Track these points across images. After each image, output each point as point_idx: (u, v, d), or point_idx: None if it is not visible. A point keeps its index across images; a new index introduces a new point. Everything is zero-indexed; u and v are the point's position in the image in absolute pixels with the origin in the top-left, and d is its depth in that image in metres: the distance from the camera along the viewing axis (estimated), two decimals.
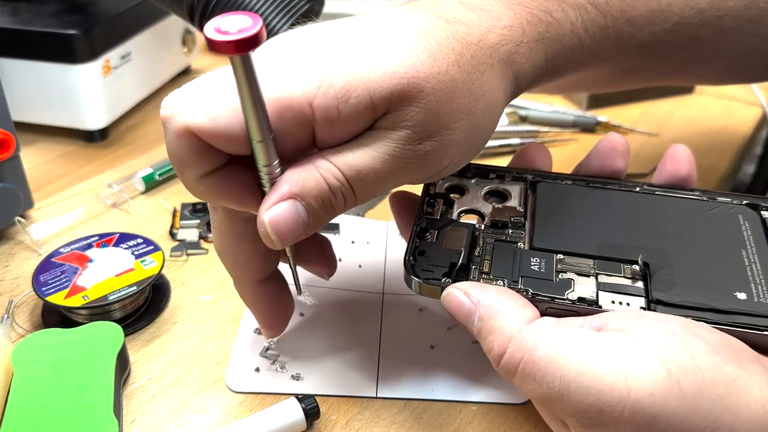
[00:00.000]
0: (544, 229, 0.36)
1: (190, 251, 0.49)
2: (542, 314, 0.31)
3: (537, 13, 0.35)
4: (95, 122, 0.61)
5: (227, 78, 0.29)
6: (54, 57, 0.58)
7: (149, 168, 0.56)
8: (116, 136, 0.64)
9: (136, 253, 0.45)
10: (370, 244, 0.50)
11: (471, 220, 0.37)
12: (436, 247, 0.35)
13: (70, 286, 0.42)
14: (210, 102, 0.29)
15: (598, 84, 0.47)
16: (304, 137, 0.30)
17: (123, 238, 0.46)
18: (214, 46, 0.25)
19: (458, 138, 0.32)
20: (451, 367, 0.40)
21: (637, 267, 0.34)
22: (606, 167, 0.39)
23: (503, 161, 0.45)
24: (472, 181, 0.40)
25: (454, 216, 0.37)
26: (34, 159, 0.60)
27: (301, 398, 0.36)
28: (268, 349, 0.40)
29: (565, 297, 0.32)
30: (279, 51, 0.31)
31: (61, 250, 0.45)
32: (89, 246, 0.46)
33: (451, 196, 0.39)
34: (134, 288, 0.42)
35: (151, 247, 0.45)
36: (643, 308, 0.32)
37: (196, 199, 0.54)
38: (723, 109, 0.71)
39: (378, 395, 0.38)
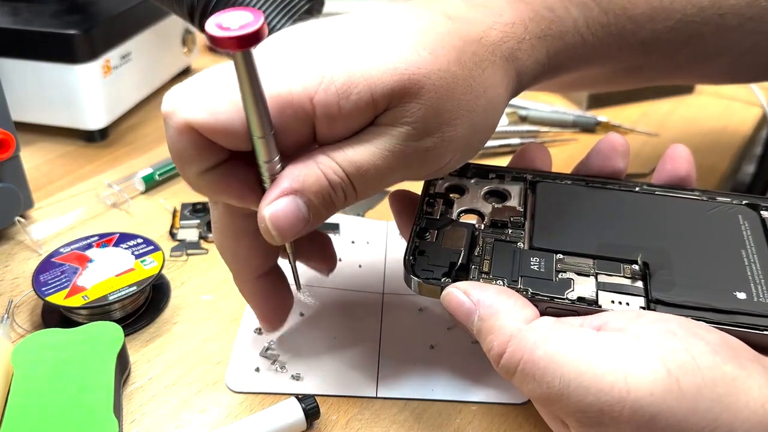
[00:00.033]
0: (543, 229, 0.36)
1: (190, 251, 0.49)
2: (542, 314, 0.31)
3: (539, 10, 0.35)
4: (95, 122, 0.62)
5: (228, 74, 0.29)
6: (54, 57, 0.58)
7: (149, 168, 0.56)
8: (116, 136, 0.64)
9: (136, 253, 0.45)
10: (370, 244, 0.50)
11: (471, 219, 0.37)
12: (436, 247, 0.35)
13: (70, 286, 0.42)
14: (211, 98, 0.29)
15: (600, 82, 0.47)
16: (304, 133, 0.30)
17: (123, 238, 0.46)
18: (215, 42, 0.25)
19: (459, 135, 0.32)
20: (451, 367, 0.40)
21: (636, 267, 0.34)
22: (606, 167, 0.39)
23: (503, 161, 0.45)
24: (472, 180, 0.40)
25: (454, 216, 0.37)
26: (34, 159, 0.60)
27: (301, 398, 0.36)
28: (268, 349, 0.40)
29: (564, 297, 0.32)
30: (280, 47, 0.31)
31: (61, 250, 0.45)
32: (89, 246, 0.46)
33: (451, 195, 0.39)
34: (134, 288, 0.42)
35: (151, 247, 0.45)
36: (643, 308, 0.32)
37: (196, 200, 0.54)
38: (723, 109, 0.71)
39: (378, 395, 0.38)
